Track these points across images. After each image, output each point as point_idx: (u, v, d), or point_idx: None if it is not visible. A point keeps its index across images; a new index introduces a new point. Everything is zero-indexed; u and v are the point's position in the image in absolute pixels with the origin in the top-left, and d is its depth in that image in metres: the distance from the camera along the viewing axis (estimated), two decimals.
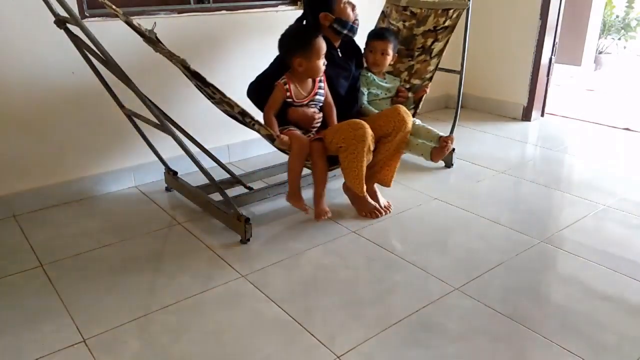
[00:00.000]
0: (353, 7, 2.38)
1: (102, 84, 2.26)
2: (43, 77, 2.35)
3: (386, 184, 2.46)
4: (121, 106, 2.32)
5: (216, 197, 2.31)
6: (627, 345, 1.60)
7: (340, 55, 2.45)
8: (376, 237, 2.23)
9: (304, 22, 2.42)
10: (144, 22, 2.34)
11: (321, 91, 2.29)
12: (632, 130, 3.73)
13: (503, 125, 3.85)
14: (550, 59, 3.84)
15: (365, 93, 2.54)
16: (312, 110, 2.28)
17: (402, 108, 2.28)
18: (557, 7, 3.68)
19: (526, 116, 3.94)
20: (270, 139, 2.17)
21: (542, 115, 4.03)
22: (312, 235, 2.25)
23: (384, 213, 2.41)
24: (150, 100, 2.02)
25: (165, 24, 2.58)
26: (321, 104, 2.33)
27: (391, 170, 2.43)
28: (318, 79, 2.27)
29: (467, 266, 2.01)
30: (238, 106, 2.05)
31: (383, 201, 2.47)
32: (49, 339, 1.62)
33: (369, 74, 2.55)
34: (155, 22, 2.13)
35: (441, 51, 2.74)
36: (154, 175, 2.79)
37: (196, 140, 2.39)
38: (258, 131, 2.14)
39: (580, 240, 2.21)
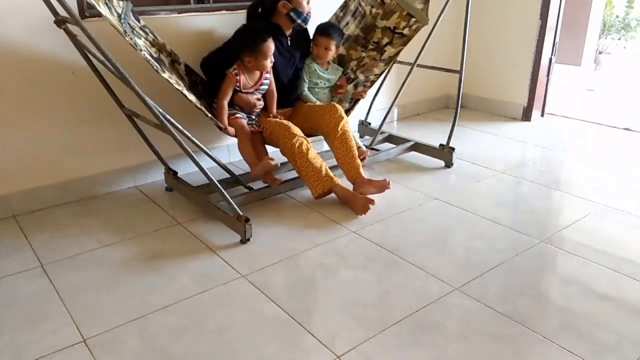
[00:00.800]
0: (308, 1, 2.58)
1: (102, 84, 2.26)
2: (43, 77, 2.34)
3: (357, 175, 2.56)
4: (121, 106, 2.32)
5: (216, 197, 2.31)
6: (627, 345, 1.60)
7: (289, 43, 2.65)
8: (376, 237, 2.23)
9: (260, 9, 2.60)
10: (145, 21, 2.36)
11: (266, 81, 2.54)
12: (632, 130, 3.74)
13: (503, 125, 3.85)
14: (550, 59, 3.84)
15: (307, 81, 2.72)
16: (254, 97, 2.52)
17: (338, 106, 2.62)
18: (557, 7, 3.68)
19: (526, 116, 3.94)
20: (219, 127, 2.44)
21: (542, 115, 4.03)
22: (312, 235, 2.25)
23: (374, 202, 2.40)
24: (151, 100, 2.02)
25: (165, 24, 2.58)
26: (264, 92, 2.57)
27: (355, 160, 2.57)
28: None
29: (467, 266, 2.01)
30: (194, 102, 2.24)
31: (378, 181, 2.56)
32: (49, 339, 1.62)
33: (312, 64, 2.72)
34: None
35: (391, 59, 2.81)
36: (154, 175, 2.79)
37: (196, 141, 2.39)
38: (210, 120, 2.37)
39: (580, 240, 2.21)
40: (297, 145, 2.40)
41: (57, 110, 2.43)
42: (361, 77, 2.89)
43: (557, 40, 3.81)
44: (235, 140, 2.51)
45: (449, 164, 3.01)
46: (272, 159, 2.42)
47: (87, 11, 2.36)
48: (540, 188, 2.74)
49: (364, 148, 2.79)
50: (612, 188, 2.73)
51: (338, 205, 2.50)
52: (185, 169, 2.71)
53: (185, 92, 2.19)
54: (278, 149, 2.51)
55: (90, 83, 2.35)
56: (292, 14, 2.54)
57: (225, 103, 2.43)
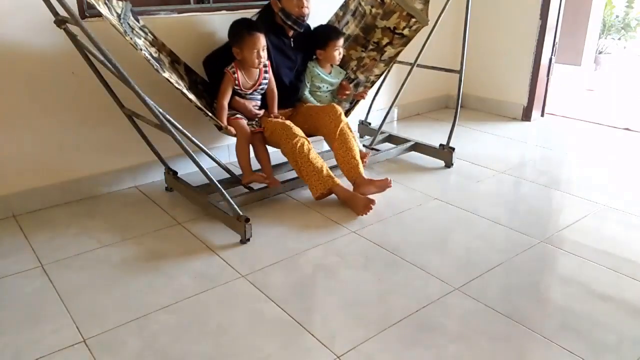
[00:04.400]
0: (301, 4, 2.49)
1: (102, 84, 2.26)
2: (43, 77, 2.34)
3: (358, 175, 2.54)
4: (121, 106, 2.32)
5: (216, 197, 2.31)
6: (627, 345, 1.60)
7: (291, 45, 2.63)
8: (376, 237, 2.23)
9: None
10: (145, 21, 2.36)
11: (265, 81, 2.52)
12: (632, 130, 3.74)
13: (503, 125, 3.85)
14: (550, 59, 3.84)
15: (308, 85, 2.70)
16: (252, 103, 2.52)
17: (337, 107, 2.59)
18: (557, 7, 3.68)
19: (526, 116, 3.94)
20: (218, 127, 2.41)
21: (542, 115, 4.04)
22: (312, 235, 2.25)
23: (375, 202, 2.37)
24: (151, 100, 2.02)
25: (165, 24, 2.58)
26: (264, 92, 2.56)
27: (356, 160, 2.55)
28: (264, 68, 2.49)
29: (467, 266, 2.01)
30: (195, 101, 2.22)
31: (379, 180, 2.53)
32: (49, 339, 1.62)
33: (315, 67, 2.70)
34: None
35: (391, 59, 2.80)
36: (154, 175, 2.79)
37: (196, 141, 2.39)
38: (209, 120, 2.34)
39: (580, 240, 2.21)
40: (298, 145, 2.39)
41: (57, 110, 2.43)
42: (361, 77, 2.89)
43: (557, 40, 3.81)
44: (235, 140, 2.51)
45: (449, 164, 3.02)
46: (263, 176, 2.48)
47: (87, 11, 2.36)
48: (540, 188, 2.74)
49: (364, 149, 2.78)
50: (612, 188, 2.73)
51: (338, 205, 2.50)
52: (185, 169, 2.71)
53: (185, 91, 2.19)
54: (279, 150, 2.50)
55: (90, 83, 2.35)
56: (280, 13, 2.52)
57: (225, 103, 2.42)
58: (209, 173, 2.12)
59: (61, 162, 2.50)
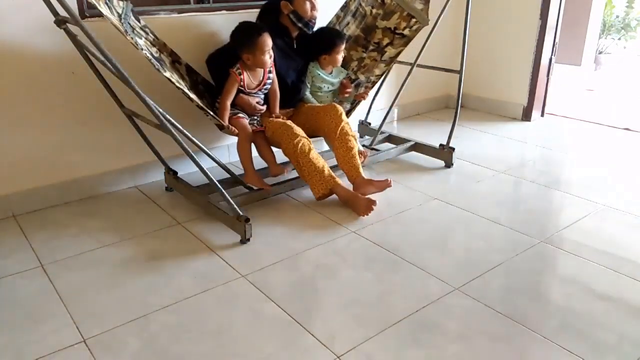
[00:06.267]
0: (313, 7, 2.57)
1: (102, 84, 2.26)
2: (43, 77, 2.34)
3: (358, 175, 2.54)
4: (121, 106, 2.32)
5: (216, 197, 2.31)
6: (627, 345, 1.60)
7: (295, 46, 2.66)
8: (376, 237, 2.23)
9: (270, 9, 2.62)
10: (145, 21, 2.36)
11: (269, 81, 2.53)
12: (632, 130, 3.73)
13: (503, 125, 3.85)
14: (550, 59, 3.84)
15: (309, 85, 2.73)
16: (255, 100, 2.52)
17: (338, 106, 2.61)
18: (557, 7, 3.68)
19: (526, 116, 3.94)
20: (220, 127, 2.44)
21: (542, 115, 4.03)
22: (312, 235, 2.25)
23: (376, 203, 2.36)
24: (151, 100, 2.01)
25: (165, 24, 2.58)
26: (267, 91, 2.57)
27: (356, 160, 2.55)
28: (267, 69, 2.49)
29: (467, 266, 2.01)
30: (196, 101, 2.23)
31: (379, 181, 2.52)
32: (49, 339, 1.62)
33: (316, 68, 2.71)
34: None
35: (391, 59, 2.81)
36: (154, 175, 2.79)
37: (196, 141, 2.39)
38: (211, 119, 2.36)
39: (580, 240, 2.21)
40: (299, 145, 2.40)
41: (57, 110, 2.43)
42: (362, 77, 2.90)
43: (557, 40, 3.81)
44: (237, 140, 2.50)
45: (449, 164, 3.01)
46: (263, 183, 2.50)
47: (87, 11, 2.36)
48: (540, 188, 2.74)
49: (362, 148, 2.79)
50: (612, 188, 2.73)
51: (338, 206, 2.50)
52: (185, 169, 2.71)
53: (187, 90, 2.19)
54: (280, 149, 2.50)
55: (90, 83, 2.35)
56: (291, 15, 2.55)
57: (228, 103, 2.42)
58: (209, 173, 2.12)
59: (61, 162, 2.50)
